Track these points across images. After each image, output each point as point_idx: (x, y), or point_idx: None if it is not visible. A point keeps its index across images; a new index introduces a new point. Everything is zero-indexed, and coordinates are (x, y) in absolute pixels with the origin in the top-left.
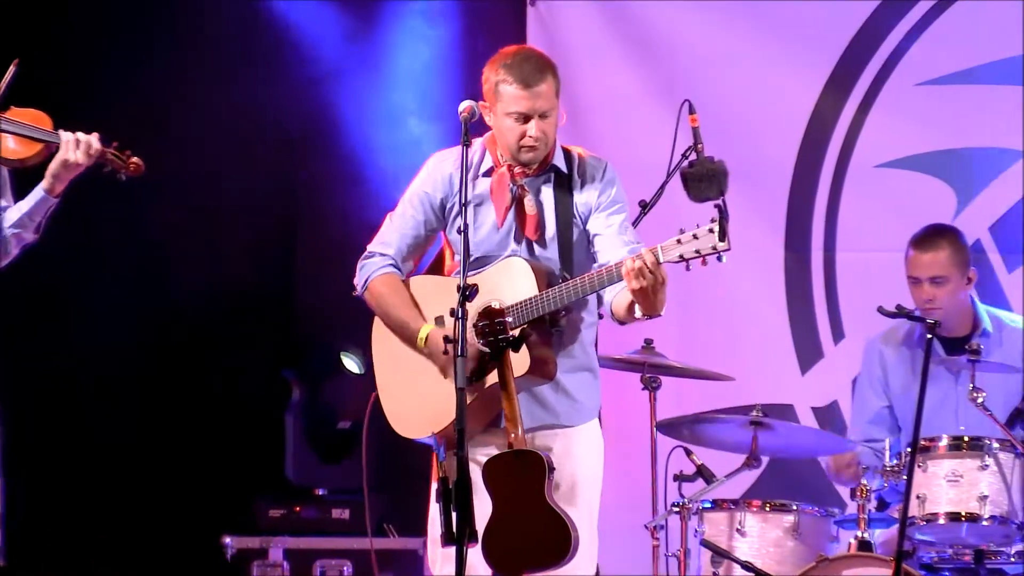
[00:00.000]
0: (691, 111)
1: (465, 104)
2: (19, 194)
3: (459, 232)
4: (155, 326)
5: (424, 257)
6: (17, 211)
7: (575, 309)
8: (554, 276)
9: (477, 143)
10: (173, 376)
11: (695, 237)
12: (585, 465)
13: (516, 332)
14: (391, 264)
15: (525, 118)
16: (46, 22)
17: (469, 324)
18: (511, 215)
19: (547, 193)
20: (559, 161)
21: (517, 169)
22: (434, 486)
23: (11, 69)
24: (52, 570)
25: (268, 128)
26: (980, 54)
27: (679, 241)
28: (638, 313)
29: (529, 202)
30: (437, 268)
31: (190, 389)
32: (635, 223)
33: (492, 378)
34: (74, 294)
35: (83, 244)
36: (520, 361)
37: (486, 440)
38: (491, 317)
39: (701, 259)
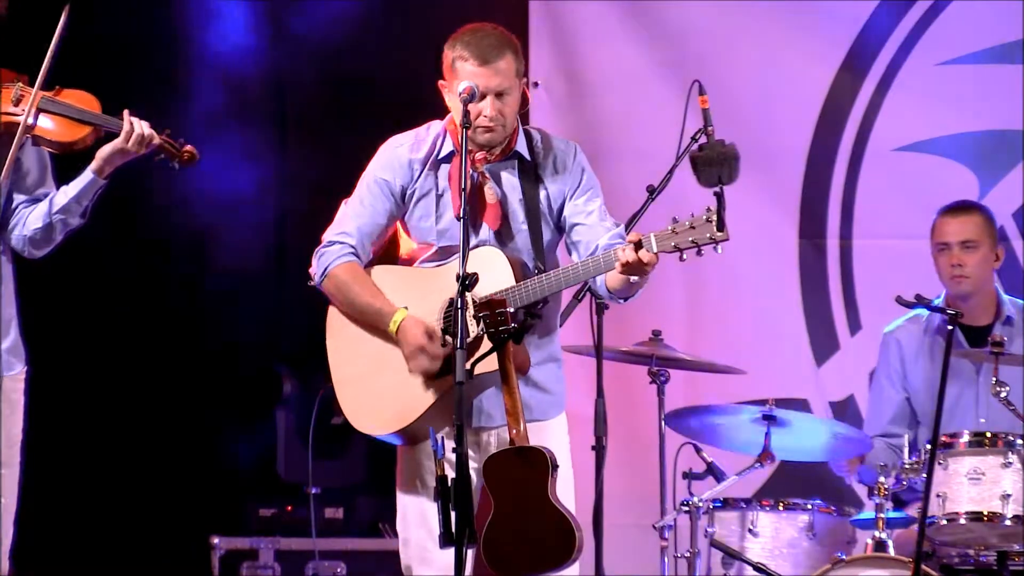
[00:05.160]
0: (701, 92)
1: (465, 84)
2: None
3: (446, 218)
4: (140, 321)
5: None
6: (64, 195)
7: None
8: (526, 267)
9: (437, 126)
10: (159, 369)
11: (691, 227)
12: (561, 461)
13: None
14: (351, 252)
15: (481, 96)
16: None
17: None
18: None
19: (512, 182)
20: (521, 147)
21: (479, 155)
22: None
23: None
24: (36, 569)
25: None
26: (1006, 31)
27: (674, 231)
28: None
29: (490, 190)
30: (387, 258)
31: (177, 383)
32: (642, 209)
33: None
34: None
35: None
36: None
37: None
38: (492, 307)
39: (697, 249)
